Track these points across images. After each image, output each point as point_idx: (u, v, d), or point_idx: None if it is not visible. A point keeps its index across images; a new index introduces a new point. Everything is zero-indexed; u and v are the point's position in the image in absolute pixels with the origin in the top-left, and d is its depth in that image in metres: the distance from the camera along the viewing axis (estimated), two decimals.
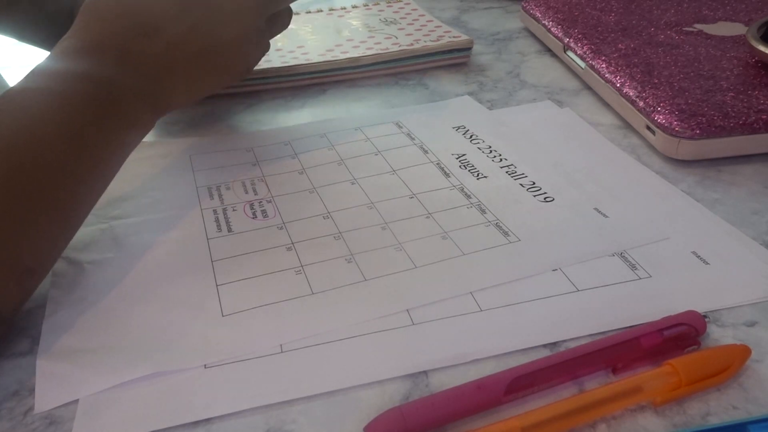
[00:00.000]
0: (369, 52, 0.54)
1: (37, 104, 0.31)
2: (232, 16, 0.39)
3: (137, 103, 0.35)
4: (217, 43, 0.38)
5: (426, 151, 0.43)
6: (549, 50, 0.58)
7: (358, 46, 0.56)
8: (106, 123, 0.33)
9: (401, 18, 0.62)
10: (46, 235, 0.30)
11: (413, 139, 0.45)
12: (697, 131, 0.39)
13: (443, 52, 0.55)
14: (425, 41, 0.56)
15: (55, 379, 0.27)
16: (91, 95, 0.33)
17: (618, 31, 0.52)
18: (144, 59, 0.35)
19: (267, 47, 0.44)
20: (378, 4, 0.67)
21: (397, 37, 0.57)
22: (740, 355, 0.26)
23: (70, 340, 0.29)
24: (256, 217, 0.37)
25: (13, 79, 0.55)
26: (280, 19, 0.45)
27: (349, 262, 0.33)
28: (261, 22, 0.41)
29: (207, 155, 0.44)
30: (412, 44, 0.55)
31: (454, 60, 0.56)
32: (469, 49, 0.56)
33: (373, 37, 0.58)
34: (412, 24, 0.60)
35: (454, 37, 0.57)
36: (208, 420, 0.26)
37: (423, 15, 0.63)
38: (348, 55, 0.54)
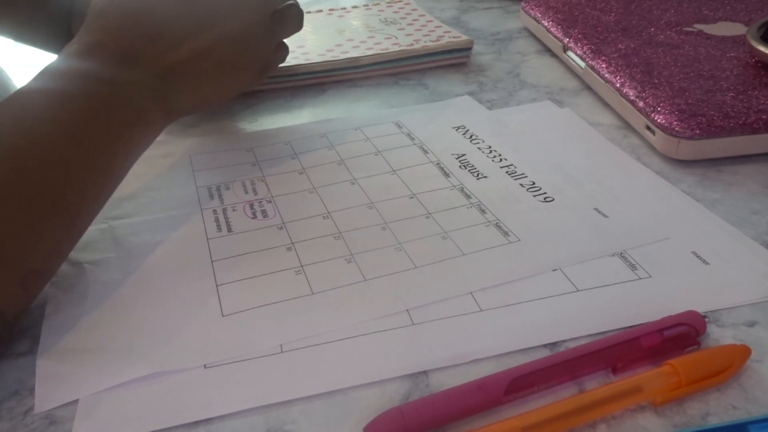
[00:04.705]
0: (369, 52, 0.54)
1: (40, 104, 0.31)
2: (235, 9, 0.39)
3: (143, 100, 0.35)
4: (220, 37, 0.38)
5: (426, 151, 0.43)
6: (549, 50, 0.58)
7: (358, 46, 0.56)
8: (111, 120, 0.33)
9: (401, 18, 0.62)
10: (51, 237, 0.30)
11: (413, 139, 0.45)
12: (697, 131, 0.39)
13: (443, 52, 0.55)
14: (425, 41, 0.56)
15: (55, 379, 0.27)
16: (94, 93, 0.33)
17: (618, 31, 0.52)
18: (148, 58, 0.36)
19: (285, 50, 0.44)
20: (378, 4, 0.67)
21: (397, 37, 0.57)
22: (740, 355, 0.26)
23: (70, 340, 0.29)
24: (256, 217, 0.37)
25: (13, 79, 0.55)
26: (289, 17, 0.44)
27: (349, 262, 0.33)
28: (266, 16, 0.41)
29: (207, 155, 0.44)
30: (412, 44, 0.55)
31: (454, 60, 0.56)
32: (469, 49, 0.56)
33: (373, 37, 0.58)
34: (412, 24, 0.60)
35: (454, 37, 0.57)
36: (208, 420, 0.26)
37: (423, 15, 0.63)
38: (348, 55, 0.54)
